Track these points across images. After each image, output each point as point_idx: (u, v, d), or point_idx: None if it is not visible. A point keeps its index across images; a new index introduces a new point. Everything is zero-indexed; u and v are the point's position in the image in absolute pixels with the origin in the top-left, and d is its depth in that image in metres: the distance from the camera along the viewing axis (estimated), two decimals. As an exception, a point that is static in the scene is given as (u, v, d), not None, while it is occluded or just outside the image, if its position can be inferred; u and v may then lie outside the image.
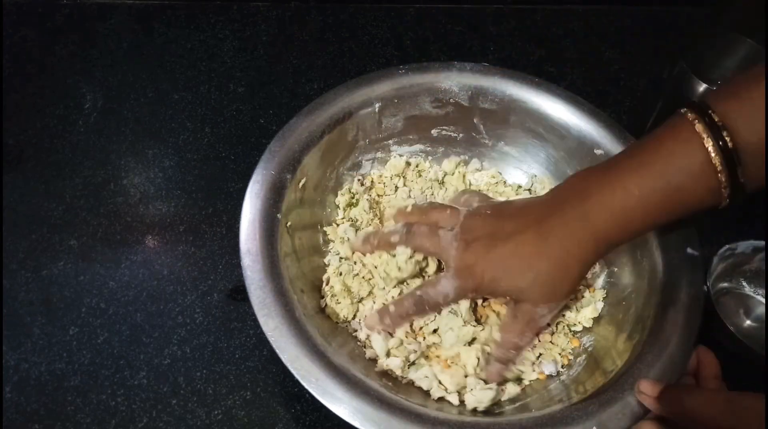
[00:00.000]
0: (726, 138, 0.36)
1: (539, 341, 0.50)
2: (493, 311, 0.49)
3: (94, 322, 0.52)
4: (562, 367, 0.48)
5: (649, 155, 0.39)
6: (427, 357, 0.47)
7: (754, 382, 0.48)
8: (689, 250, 0.46)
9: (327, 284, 0.50)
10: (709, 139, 0.37)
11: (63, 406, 0.48)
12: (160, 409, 0.48)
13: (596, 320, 0.50)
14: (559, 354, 0.49)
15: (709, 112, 0.37)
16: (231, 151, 0.64)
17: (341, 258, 0.51)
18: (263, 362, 0.51)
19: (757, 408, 0.32)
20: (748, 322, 0.54)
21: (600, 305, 0.51)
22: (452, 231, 0.45)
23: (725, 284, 0.55)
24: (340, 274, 0.50)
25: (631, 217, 0.40)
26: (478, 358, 0.45)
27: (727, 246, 0.52)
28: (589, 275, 0.53)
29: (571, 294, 0.44)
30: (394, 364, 0.45)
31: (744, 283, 0.55)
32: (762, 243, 0.52)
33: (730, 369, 0.44)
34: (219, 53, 0.73)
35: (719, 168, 0.37)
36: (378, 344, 0.46)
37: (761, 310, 0.54)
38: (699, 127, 0.37)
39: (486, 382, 0.45)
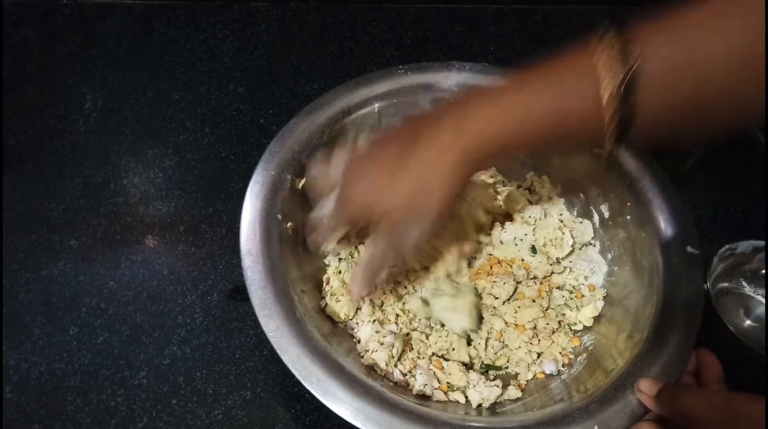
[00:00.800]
0: (629, 74, 0.33)
1: (539, 341, 0.50)
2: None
3: (94, 322, 0.52)
4: (563, 366, 0.48)
5: (544, 76, 0.37)
6: (419, 356, 0.47)
7: (754, 382, 0.48)
8: (689, 249, 0.46)
9: (327, 284, 0.50)
10: (610, 74, 0.34)
11: (63, 406, 0.48)
12: (160, 409, 0.48)
13: (596, 319, 0.50)
14: (560, 353, 0.49)
15: (626, 43, 0.35)
16: (231, 151, 0.64)
17: (340, 258, 0.51)
18: (263, 362, 0.51)
19: (751, 410, 0.32)
20: (748, 322, 0.54)
21: (600, 304, 0.51)
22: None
23: (725, 284, 0.55)
24: (340, 272, 0.50)
25: (507, 136, 0.38)
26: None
27: (727, 246, 0.52)
28: (588, 273, 0.53)
29: (435, 212, 0.41)
30: (379, 357, 0.46)
31: (744, 283, 0.55)
32: (762, 243, 0.52)
33: (730, 369, 0.44)
34: (219, 53, 0.73)
35: (609, 104, 0.34)
36: (364, 333, 0.47)
37: (761, 310, 0.54)
38: (608, 55, 0.35)
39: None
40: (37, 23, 0.74)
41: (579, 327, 0.50)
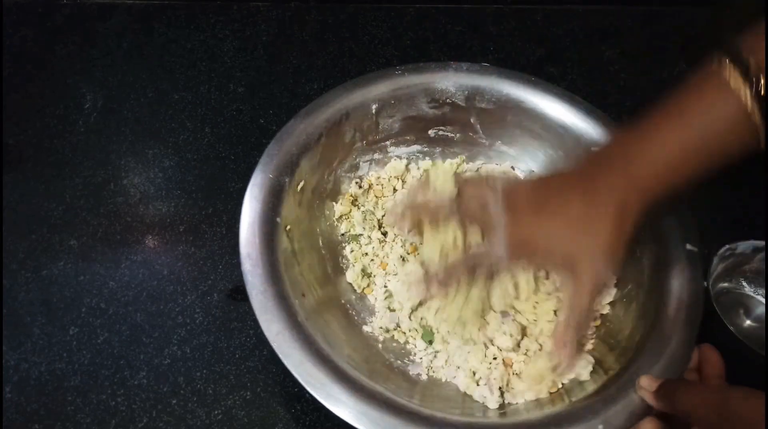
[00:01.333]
0: (761, 81, 0.36)
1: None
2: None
3: (94, 322, 0.52)
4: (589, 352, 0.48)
5: (684, 108, 0.39)
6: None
7: (754, 382, 0.48)
8: (688, 246, 0.47)
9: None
10: (744, 86, 0.36)
11: (63, 406, 0.48)
12: (160, 409, 0.48)
13: (611, 305, 0.50)
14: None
15: (741, 58, 0.37)
16: (231, 151, 0.64)
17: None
18: (263, 362, 0.51)
19: (747, 406, 0.32)
20: (748, 322, 0.54)
21: (613, 291, 0.51)
22: (497, 205, 0.45)
23: (725, 284, 0.55)
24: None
25: (673, 171, 0.40)
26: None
27: (727, 246, 0.52)
28: None
29: (622, 253, 0.43)
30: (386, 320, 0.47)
31: (744, 283, 0.55)
32: (762, 243, 0.52)
33: (730, 369, 0.44)
34: (219, 53, 0.73)
35: (754, 113, 0.36)
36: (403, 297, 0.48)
37: (761, 310, 0.54)
38: (732, 73, 0.37)
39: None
40: (37, 23, 0.74)
41: (596, 315, 0.50)
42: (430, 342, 0.49)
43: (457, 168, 0.59)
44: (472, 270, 0.46)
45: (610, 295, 0.51)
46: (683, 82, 0.40)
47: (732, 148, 0.39)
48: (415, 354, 0.49)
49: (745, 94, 0.36)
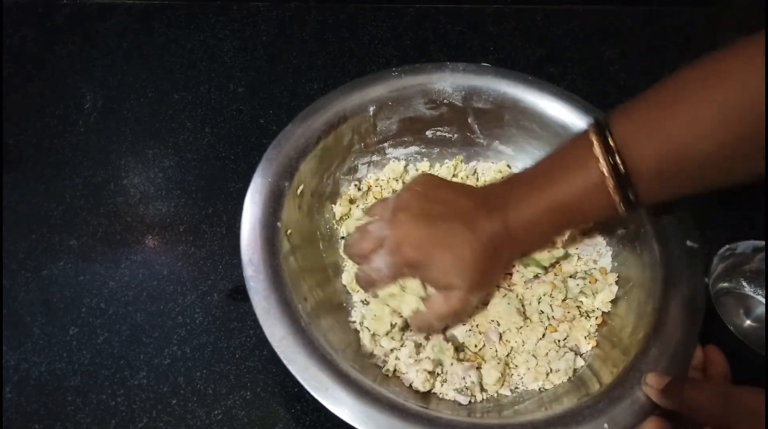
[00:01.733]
0: (618, 161, 0.39)
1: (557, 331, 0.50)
2: None
3: (94, 322, 0.52)
4: (592, 348, 0.49)
5: (554, 172, 0.43)
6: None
7: (755, 382, 0.48)
8: (689, 243, 0.47)
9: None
10: (603, 162, 0.40)
11: (63, 406, 0.48)
12: (160, 409, 0.48)
13: (613, 303, 0.51)
14: (585, 337, 0.49)
15: (606, 133, 0.40)
16: (231, 151, 0.64)
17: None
18: (263, 362, 0.51)
19: (753, 403, 0.33)
20: (748, 322, 0.54)
21: (615, 288, 0.51)
22: (383, 217, 0.46)
23: (725, 284, 0.55)
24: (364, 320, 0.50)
25: (539, 227, 0.44)
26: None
27: (727, 246, 0.52)
28: (596, 256, 0.54)
29: (492, 286, 0.50)
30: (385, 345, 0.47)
31: (744, 283, 0.55)
32: (762, 243, 0.52)
33: (730, 369, 0.44)
34: (219, 53, 0.73)
35: (612, 188, 0.40)
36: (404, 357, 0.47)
37: (761, 310, 0.54)
38: (596, 148, 0.40)
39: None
40: (37, 23, 0.74)
41: (597, 313, 0.51)
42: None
43: (454, 170, 0.59)
44: (362, 281, 0.47)
45: (612, 292, 0.51)
46: (568, 141, 0.44)
47: (592, 214, 0.45)
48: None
49: (604, 169, 0.40)
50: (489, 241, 0.43)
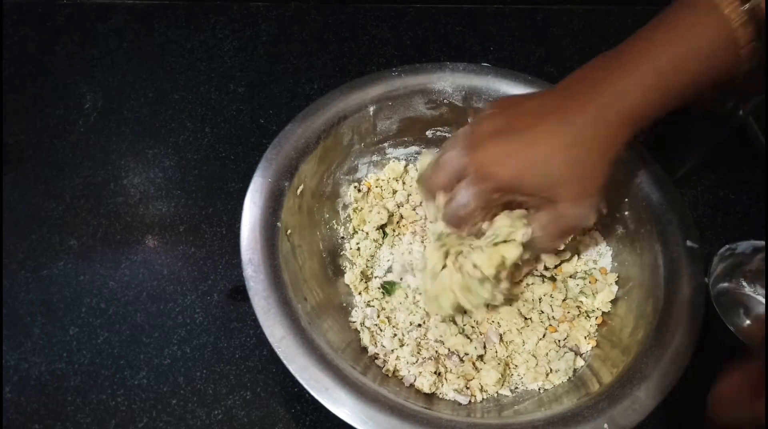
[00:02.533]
0: (755, 5, 0.35)
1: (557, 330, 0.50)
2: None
3: (94, 322, 0.52)
4: (592, 348, 0.49)
5: (667, 28, 0.38)
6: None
7: (754, 382, 0.48)
8: (689, 243, 0.47)
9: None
10: (733, 9, 0.36)
11: (63, 406, 0.48)
12: (160, 409, 0.48)
13: (613, 303, 0.51)
14: (585, 337, 0.49)
15: None
16: (231, 151, 0.64)
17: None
18: (263, 362, 0.51)
19: None
20: (748, 322, 0.54)
21: (615, 288, 0.51)
22: (459, 146, 0.41)
23: (725, 284, 0.55)
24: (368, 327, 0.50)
25: (655, 90, 0.38)
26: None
27: (727, 246, 0.52)
28: (596, 256, 0.54)
29: (603, 187, 0.41)
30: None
31: (744, 283, 0.55)
32: (762, 243, 0.52)
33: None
34: (219, 53, 0.73)
35: (742, 34, 0.36)
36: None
37: (761, 310, 0.54)
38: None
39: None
40: (37, 23, 0.74)
41: (597, 314, 0.51)
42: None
43: None
44: (451, 221, 0.42)
45: (612, 292, 0.51)
46: (671, 5, 0.39)
47: (711, 70, 0.38)
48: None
49: (735, 14, 0.36)
50: (587, 134, 0.38)
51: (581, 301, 0.51)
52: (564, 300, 0.51)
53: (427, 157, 0.47)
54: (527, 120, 0.40)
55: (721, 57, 0.37)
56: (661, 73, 0.38)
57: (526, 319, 0.50)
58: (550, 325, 0.50)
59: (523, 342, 0.49)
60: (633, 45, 0.40)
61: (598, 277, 0.52)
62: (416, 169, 0.60)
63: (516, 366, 0.48)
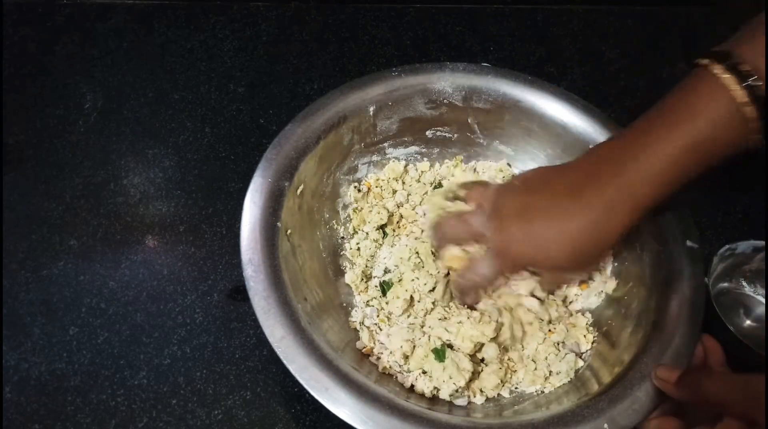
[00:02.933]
0: (755, 81, 0.37)
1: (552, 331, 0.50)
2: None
3: (94, 322, 0.52)
4: (591, 343, 0.49)
5: (677, 114, 0.40)
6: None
7: (754, 382, 0.48)
8: (689, 243, 0.47)
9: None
10: (738, 88, 0.37)
11: (63, 406, 0.48)
12: (160, 409, 0.48)
13: (608, 300, 0.51)
14: (584, 335, 0.49)
15: (730, 58, 0.37)
16: (231, 151, 0.64)
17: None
18: (263, 362, 0.51)
19: None
20: (748, 322, 0.54)
21: (613, 285, 0.51)
22: (483, 211, 0.46)
23: (725, 284, 0.55)
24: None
25: (668, 178, 0.40)
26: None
27: (727, 246, 0.52)
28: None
29: (603, 260, 0.49)
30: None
31: (744, 283, 0.55)
32: (762, 243, 0.52)
33: (730, 369, 0.43)
34: (219, 53, 0.73)
35: (749, 111, 0.37)
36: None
37: (761, 310, 0.54)
38: (724, 77, 0.37)
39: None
40: (37, 23, 0.74)
41: (590, 309, 0.51)
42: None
43: (454, 170, 0.59)
44: (461, 289, 0.48)
45: (610, 291, 0.51)
46: (676, 86, 0.41)
47: (728, 151, 0.40)
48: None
49: (739, 93, 0.37)
50: (600, 217, 0.41)
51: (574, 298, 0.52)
52: (560, 302, 0.51)
53: (437, 198, 0.50)
54: (548, 199, 0.43)
55: (731, 137, 0.39)
56: (676, 161, 0.39)
57: (523, 326, 0.50)
58: (549, 330, 0.50)
59: (522, 347, 0.49)
60: (645, 133, 0.41)
61: (589, 283, 0.52)
62: (416, 170, 0.60)
63: (515, 371, 0.48)
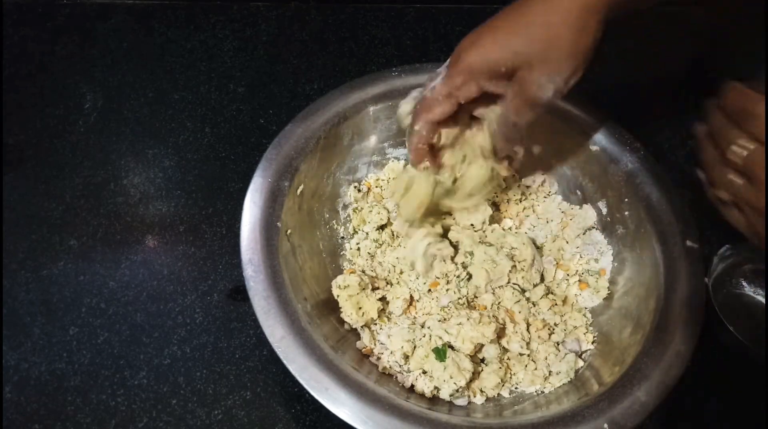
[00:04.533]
0: None
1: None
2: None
3: (94, 322, 0.52)
4: (591, 343, 0.49)
5: None
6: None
7: (754, 382, 0.48)
8: (689, 243, 0.47)
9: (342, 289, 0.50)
10: None
11: (63, 406, 0.48)
12: (160, 409, 0.48)
13: (606, 301, 0.51)
14: (584, 333, 0.49)
15: None
16: (231, 151, 0.64)
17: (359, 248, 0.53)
18: (263, 362, 0.51)
19: None
20: (748, 322, 0.54)
21: (606, 285, 0.51)
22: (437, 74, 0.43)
23: (725, 284, 0.55)
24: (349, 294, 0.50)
25: None
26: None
27: (727, 246, 0.52)
28: (596, 256, 0.53)
29: (572, 60, 0.40)
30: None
31: (744, 283, 0.55)
32: (762, 243, 0.52)
33: (730, 369, 0.44)
34: (219, 53, 0.72)
35: None
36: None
37: (761, 310, 0.54)
38: None
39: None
40: (37, 23, 0.74)
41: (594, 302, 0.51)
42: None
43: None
44: (425, 110, 0.44)
45: (609, 291, 0.51)
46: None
47: None
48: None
49: None
50: (577, 7, 0.38)
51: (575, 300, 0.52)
52: (555, 304, 0.51)
53: (408, 103, 0.48)
54: (514, 13, 0.40)
55: None
56: None
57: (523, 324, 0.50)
58: (547, 326, 0.50)
59: (521, 347, 0.49)
60: None
61: (590, 283, 0.52)
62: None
63: (515, 374, 0.48)
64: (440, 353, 0.46)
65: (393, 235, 0.55)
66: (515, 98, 0.41)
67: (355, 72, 0.71)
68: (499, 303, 0.50)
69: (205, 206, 0.60)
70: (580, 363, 0.48)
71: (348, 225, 0.56)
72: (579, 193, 0.56)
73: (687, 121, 0.42)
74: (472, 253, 0.51)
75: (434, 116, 0.43)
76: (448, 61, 0.43)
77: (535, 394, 0.47)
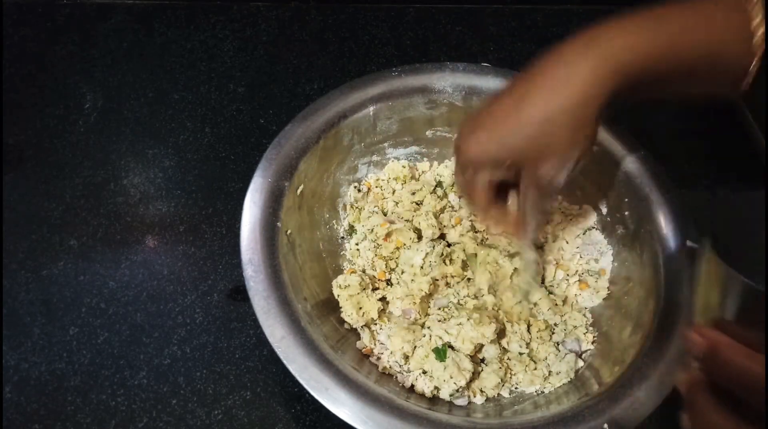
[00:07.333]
0: None
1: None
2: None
3: (94, 322, 0.52)
4: (591, 343, 0.49)
5: (687, 6, 0.37)
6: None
7: (754, 382, 0.48)
8: (689, 243, 0.47)
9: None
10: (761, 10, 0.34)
11: (63, 406, 0.48)
12: (160, 409, 0.48)
13: (605, 301, 0.51)
14: (584, 335, 0.49)
15: None
16: (231, 151, 0.64)
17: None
18: (263, 362, 0.51)
19: None
20: (747, 322, 0.54)
21: (606, 284, 0.52)
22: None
23: (725, 284, 0.55)
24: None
25: (648, 51, 0.36)
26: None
27: (727, 246, 0.52)
28: (596, 256, 0.53)
29: (576, 148, 0.39)
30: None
31: (744, 283, 0.55)
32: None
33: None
34: (219, 53, 0.72)
35: (758, 26, 0.34)
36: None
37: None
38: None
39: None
40: (37, 23, 0.74)
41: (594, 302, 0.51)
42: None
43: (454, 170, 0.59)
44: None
45: (609, 291, 0.51)
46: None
47: (720, 64, 0.36)
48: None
49: (755, 13, 0.35)
50: (548, 87, 0.38)
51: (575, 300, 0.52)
52: (555, 304, 0.51)
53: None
54: (510, 98, 0.40)
55: (731, 36, 0.36)
56: (670, 32, 0.36)
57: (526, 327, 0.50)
58: (548, 325, 0.50)
59: (521, 346, 0.49)
60: (647, 13, 0.38)
61: (590, 283, 0.52)
62: (417, 170, 0.60)
63: (515, 374, 0.48)
64: (440, 353, 0.46)
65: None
66: (528, 189, 0.41)
67: (355, 72, 0.71)
68: (500, 306, 0.50)
69: (205, 206, 0.60)
70: (580, 363, 0.48)
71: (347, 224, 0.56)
72: (579, 193, 0.56)
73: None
74: (474, 255, 0.51)
75: (480, 203, 0.44)
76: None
77: (535, 394, 0.47)
